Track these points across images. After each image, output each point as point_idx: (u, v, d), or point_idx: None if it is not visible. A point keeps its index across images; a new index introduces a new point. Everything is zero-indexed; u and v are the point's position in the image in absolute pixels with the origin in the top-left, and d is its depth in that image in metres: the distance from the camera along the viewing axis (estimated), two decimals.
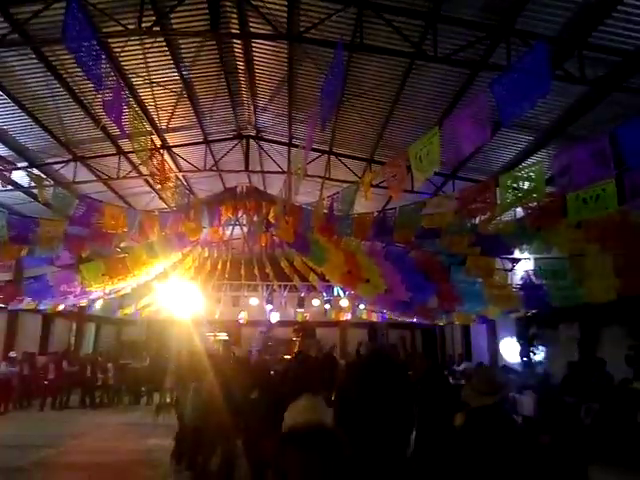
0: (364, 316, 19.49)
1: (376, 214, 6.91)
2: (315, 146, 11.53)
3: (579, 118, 8.36)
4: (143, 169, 11.41)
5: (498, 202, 4.38)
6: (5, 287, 8.74)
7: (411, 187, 10.08)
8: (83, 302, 13.72)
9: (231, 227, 13.26)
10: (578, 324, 11.87)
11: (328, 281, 15.91)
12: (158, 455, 7.53)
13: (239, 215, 8.97)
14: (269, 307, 20.48)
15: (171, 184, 5.92)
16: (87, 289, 10.65)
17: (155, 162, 5.31)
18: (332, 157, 11.70)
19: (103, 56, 7.64)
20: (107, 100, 3.43)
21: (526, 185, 3.94)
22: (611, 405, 8.83)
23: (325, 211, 6.92)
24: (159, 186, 6.30)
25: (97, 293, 13.01)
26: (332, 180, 11.63)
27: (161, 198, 13.29)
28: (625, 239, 5.70)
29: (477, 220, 6.21)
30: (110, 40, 7.75)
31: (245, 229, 13.95)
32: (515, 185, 4.03)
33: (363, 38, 6.85)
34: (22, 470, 7.17)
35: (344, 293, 19.39)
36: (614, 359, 10.32)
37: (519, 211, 6.52)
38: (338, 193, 6.93)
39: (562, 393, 9.77)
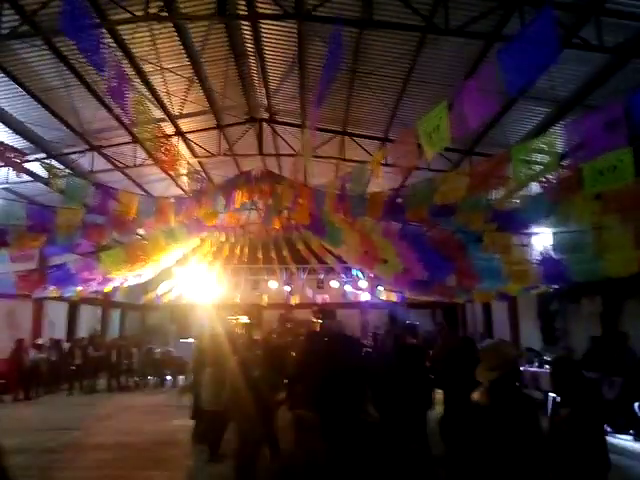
0: (383, 297, 19.48)
1: (388, 192, 6.85)
2: (328, 126, 11.49)
3: (598, 88, 8.11)
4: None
5: (511, 176, 4.30)
6: (29, 276, 8.95)
7: (425, 165, 10.05)
8: (107, 289, 13.97)
9: (247, 211, 13.33)
10: (600, 298, 11.68)
11: (346, 262, 15.91)
12: (181, 435, 7.72)
13: (254, 199, 8.99)
14: (288, 289, 20.62)
15: (184, 170, 5.93)
16: (109, 276, 10.86)
17: (164, 149, 5.33)
18: (346, 137, 11.63)
19: (106, 42, 7.75)
20: (112, 86, 3.44)
21: (539, 157, 3.85)
22: (634, 379, 8.73)
23: (337, 192, 6.89)
24: (173, 173, 6.32)
25: (119, 279, 13.27)
26: (347, 161, 11.57)
27: (177, 185, 13.43)
28: None
29: (492, 196, 6.13)
30: (119, 27, 7.77)
31: (261, 213, 14.04)
32: (528, 158, 3.95)
33: (372, 14, 6.73)
34: (52, 451, 7.45)
35: (363, 274, 19.41)
36: (637, 333, 10.16)
37: (535, 186, 6.40)
38: (350, 173, 6.88)
39: (584, 368, 9.68)
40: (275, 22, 7.98)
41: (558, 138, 4.47)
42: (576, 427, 2.73)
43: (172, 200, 7.78)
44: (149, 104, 9.86)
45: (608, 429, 8.33)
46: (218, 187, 9.19)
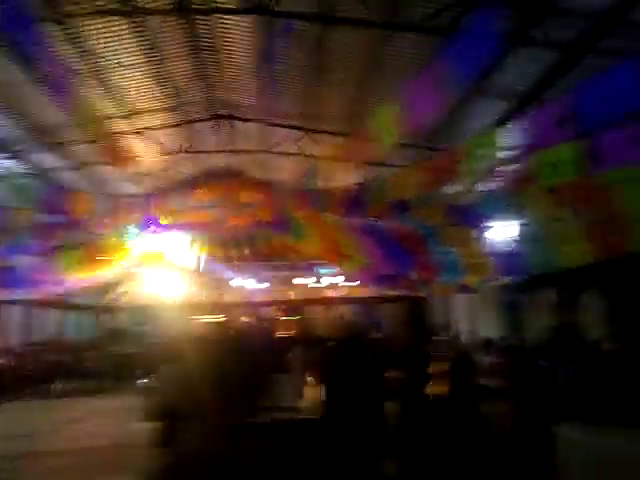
0: (350, 292, 19.64)
1: (348, 188, 6.90)
2: (291, 122, 11.46)
3: (555, 83, 8.36)
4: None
5: (463, 170, 4.40)
6: None
7: (389, 161, 10.16)
8: (64, 290, 13.56)
9: (212, 209, 13.17)
10: (556, 290, 12.09)
11: (313, 259, 15.96)
12: (142, 437, 7.56)
13: (215, 197, 8.89)
14: (255, 287, 20.50)
15: (136, 168, 5.77)
16: (66, 277, 10.54)
17: (114, 147, 5.15)
18: (309, 133, 11.62)
19: (55, 36, 7.51)
20: (53, 82, 3.28)
21: (489, 151, 3.95)
22: (585, 367, 9.07)
23: (296, 187, 6.89)
24: (126, 171, 6.15)
25: (78, 281, 12.90)
26: (309, 157, 11.58)
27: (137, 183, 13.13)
28: (595, 202, 5.78)
29: (447, 190, 6.25)
30: (74, 22, 7.51)
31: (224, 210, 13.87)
32: (479, 152, 4.04)
33: (332, 10, 6.75)
34: (7, 459, 7.17)
35: (330, 270, 19.50)
36: (592, 322, 10.58)
37: (491, 181, 6.56)
38: (308, 169, 6.89)
39: (538, 357, 10.01)
40: (234, 17, 7.89)
41: (510, 132, 4.59)
42: (524, 414, 2.82)
43: (130, 199, 7.58)
44: (105, 100, 9.64)
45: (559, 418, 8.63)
46: (178, 185, 9.03)
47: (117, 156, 5.40)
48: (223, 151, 11.45)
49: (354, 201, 6.72)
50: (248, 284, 20.52)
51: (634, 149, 3.89)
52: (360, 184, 6.99)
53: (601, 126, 3.82)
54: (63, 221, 7.49)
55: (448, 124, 10.38)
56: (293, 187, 7.23)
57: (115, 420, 9.95)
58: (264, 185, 9.00)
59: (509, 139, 3.94)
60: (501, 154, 4.69)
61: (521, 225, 7.93)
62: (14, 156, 10.64)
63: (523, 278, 12.09)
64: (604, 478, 5.68)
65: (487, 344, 13.60)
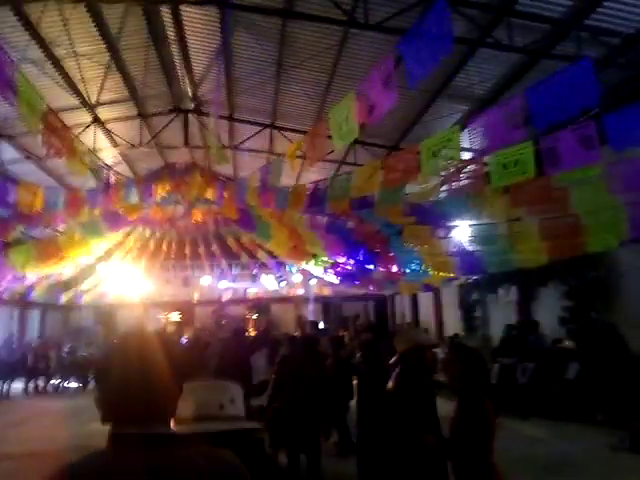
0: (317, 290, 19.62)
1: (310, 185, 6.86)
2: (257, 119, 11.35)
3: (512, 86, 8.52)
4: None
5: (423, 169, 4.41)
6: None
7: (351, 159, 10.14)
8: (20, 288, 13.11)
9: (174, 205, 12.90)
10: (515, 288, 12.37)
11: (277, 257, 15.85)
12: (98, 440, 7.34)
13: (177, 192, 8.70)
14: (220, 285, 20.28)
15: (81, 160, 5.56)
16: (20, 274, 10.17)
17: (58, 139, 4.93)
18: (275, 131, 11.52)
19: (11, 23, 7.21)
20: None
21: (448, 150, 3.97)
22: (544, 364, 9.31)
23: (258, 184, 6.81)
24: (73, 165, 5.91)
25: (34, 278, 12.49)
26: (275, 154, 11.47)
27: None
28: (549, 204, 5.89)
29: (408, 190, 6.28)
30: (27, 8, 7.23)
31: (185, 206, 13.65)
32: (435, 150, 4.06)
33: (294, 5, 6.68)
34: None
35: (295, 268, 19.44)
36: (549, 320, 10.86)
37: (451, 183, 6.62)
38: (269, 165, 6.82)
39: (498, 355, 10.23)
40: (196, 8, 7.74)
41: (465, 133, 4.62)
42: (464, 410, 2.82)
43: (84, 192, 7.32)
44: (62, 90, 9.32)
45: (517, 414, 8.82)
46: (134, 180, 8.80)
47: (69, 149, 5.18)
48: (185, 146, 11.22)
49: (315, 198, 6.68)
50: (216, 282, 20.31)
51: (585, 149, 3.97)
52: (322, 181, 6.97)
53: (553, 126, 3.88)
54: (13, 214, 7.18)
55: (411, 126, 10.48)
56: (255, 184, 7.12)
57: (65, 422, 9.67)
58: (227, 181, 8.86)
59: (468, 140, 3.96)
60: (460, 154, 4.72)
61: (479, 225, 8.06)
62: None
63: (484, 277, 12.34)
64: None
65: (451, 340, 13.82)
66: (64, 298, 17.35)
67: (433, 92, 9.35)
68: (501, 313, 13.08)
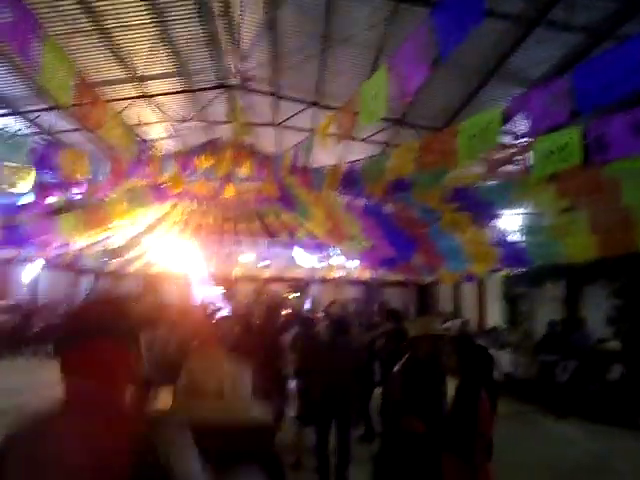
0: (356, 274, 19.49)
1: (346, 166, 6.70)
2: (302, 97, 11.22)
3: (571, 69, 7.98)
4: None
5: (462, 151, 4.17)
6: None
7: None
8: (71, 253, 13.70)
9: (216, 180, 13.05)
10: (564, 283, 11.81)
11: (317, 238, 15.79)
12: None
13: (215, 167, 8.72)
14: (263, 263, 20.51)
15: (115, 129, 5.63)
16: (69, 241, 10.59)
17: (89, 109, 4.99)
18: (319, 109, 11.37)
19: None
20: (5, 24, 3.10)
21: (490, 132, 3.72)
22: (586, 363, 8.87)
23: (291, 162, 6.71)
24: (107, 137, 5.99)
25: (84, 244, 12.99)
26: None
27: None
28: (598, 194, 5.50)
29: (450, 174, 6.01)
30: None
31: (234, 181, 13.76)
32: (472, 133, 3.81)
33: None
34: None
35: (336, 250, 19.34)
36: (595, 319, 10.31)
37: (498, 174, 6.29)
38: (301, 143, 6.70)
39: (540, 351, 9.83)
40: None
41: (515, 117, 4.33)
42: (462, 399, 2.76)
43: (127, 163, 7.47)
44: (111, 63, 9.51)
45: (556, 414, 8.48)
46: (173, 154, 8.90)
47: (103, 122, 5.26)
48: (229, 122, 11.23)
49: (351, 179, 6.52)
50: (256, 259, 20.54)
51: (637, 137, 3.63)
52: (357, 161, 6.79)
53: (602, 110, 3.57)
54: (62, 180, 7.43)
55: (462, 107, 10.08)
56: (288, 162, 7.04)
57: None
58: (266, 159, 8.82)
59: (500, 120, 3.70)
60: (500, 138, 4.43)
61: (526, 215, 7.67)
62: (15, 113, 10.65)
63: (530, 270, 11.83)
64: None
65: (490, 333, 13.44)
66: (112, 265, 18.07)
67: (486, 73, 8.93)
68: (546, 308, 12.54)
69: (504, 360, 10.64)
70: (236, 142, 7.86)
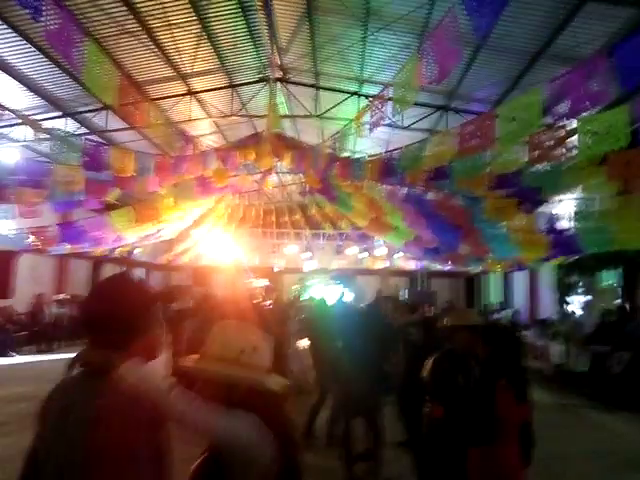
0: (401, 264, 19.30)
1: (386, 155, 6.64)
2: (342, 87, 11.18)
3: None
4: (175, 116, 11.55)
5: (503, 135, 4.06)
6: (40, 232, 9.17)
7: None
8: (125, 247, 14.26)
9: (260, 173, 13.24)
10: (618, 271, 11.27)
11: (360, 229, 15.76)
12: None
13: (257, 160, 8.86)
14: (306, 255, 20.66)
15: (163, 127, 5.81)
16: (121, 235, 11.03)
17: (133, 108, 5.16)
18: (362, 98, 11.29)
19: None
20: (51, 31, 3.28)
21: (523, 116, 3.61)
22: None
23: (329, 151, 6.72)
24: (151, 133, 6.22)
25: (135, 238, 13.49)
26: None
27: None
28: None
29: (491, 159, 5.85)
30: None
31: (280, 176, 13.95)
32: (513, 116, 3.70)
33: None
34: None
35: (380, 241, 19.21)
36: None
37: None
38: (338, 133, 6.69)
39: (593, 342, 9.45)
40: None
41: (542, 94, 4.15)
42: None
43: (172, 158, 7.71)
44: (157, 61, 9.79)
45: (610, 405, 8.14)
46: (216, 148, 9.09)
47: (148, 119, 5.45)
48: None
49: (391, 168, 6.46)
50: (300, 252, 20.74)
51: None
52: (396, 150, 6.71)
53: None
54: (112, 178, 7.76)
55: (510, 90, 9.76)
56: (329, 152, 7.05)
57: None
58: (307, 150, 8.86)
59: (537, 100, 3.57)
60: (541, 120, 4.27)
61: (576, 200, 7.37)
62: (67, 115, 11.17)
63: (584, 258, 11.35)
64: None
65: (541, 323, 13.03)
66: (164, 258, 18.67)
67: (533, 54, 8.61)
68: (601, 297, 12.03)
69: (555, 351, 10.31)
70: (276, 135, 7.93)
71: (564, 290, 13.61)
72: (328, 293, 17.54)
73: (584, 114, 3.63)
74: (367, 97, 11.07)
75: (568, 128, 4.07)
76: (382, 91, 4.70)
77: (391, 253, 18.61)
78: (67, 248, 11.70)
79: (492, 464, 2.70)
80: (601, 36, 7.68)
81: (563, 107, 3.46)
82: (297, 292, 19.40)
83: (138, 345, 1.47)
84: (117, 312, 1.46)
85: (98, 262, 18.93)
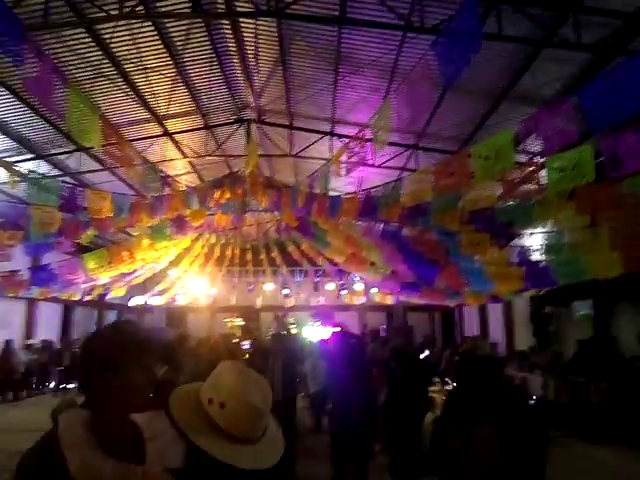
0: (378, 299, 19.31)
1: (362, 193, 6.77)
2: (315, 127, 11.43)
3: (581, 87, 7.99)
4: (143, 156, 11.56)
5: (473, 174, 4.20)
6: (10, 276, 8.92)
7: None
8: (97, 290, 13.94)
9: (235, 212, 13.27)
10: (591, 301, 11.52)
11: (337, 265, 15.81)
12: None
13: (233, 199, 8.93)
14: (284, 292, 20.54)
15: (140, 168, 5.85)
16: (94, 277, 10.81)
17: (114, 150, 5.21)
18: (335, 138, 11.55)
19: (86, 42, 7.75)
20: (32, 78, 3.32)
21: (495, 154, 3.76)
22: (619, 384, 8.57)
23: (307, 190, 6.82)
24: (130, 175, 6.24)
25: (108, 281, 13.23)
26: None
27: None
28: (620, 211, 5.45)
29: (465, 196, 6.04)
30: (98, 27, 7.73)
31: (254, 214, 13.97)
32: (486, 155, 3.85)
33: (346, 12, 6.67)
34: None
35: (357, 276, 19.26)
36: (628, 337, 10.01)
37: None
38: (316, 172, 6.81)
39: (571, 372, 9.56)
40: (254, 20, 7.92)
41: (528, 136, 4.36)
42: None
43: (149, 198, 7.69)
44: (132, 104, 9.88)
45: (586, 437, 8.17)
46: (195, 188, 9.13)
47: (127, 160, 5.48)
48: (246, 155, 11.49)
49: (369, 206, 6.58)
50: (278, 289, 20.62)
51: None
52: (374, 189, 6.86)
53: (613, 126, 3.58)
54: (86, 219, 7.68)
55: (475, 130, 10.13)
56: (307, 191, 7.16)
57: None
58: (284, 189, 8.96)
59: (508, 140, 3.74)
60: (513, 158, 4.45)
61: (547, 233, 7.58)
62: (40, 157, 11.09)
63: (557, 289, 11.58)
64: None
65: (518, 355, 13.12)
66: (137, 301, 18.29)
67: (497, 95, 9.00)
68: (575, 328, 12.23)
69: (534, 383, 10.37)
70: (253, 174, 8.02)
71: (540, 321, 13.81)
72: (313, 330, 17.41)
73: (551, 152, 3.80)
74: (340, 137, 11.34)
75: (536, 165, 4.24)
76: (359, 132, 4.81)
77: (368, 288, 18.66)
78: (37, 292, 11.41)
79: None
80: (559, 78, 8.10)
81: (534, 146, 3.62)
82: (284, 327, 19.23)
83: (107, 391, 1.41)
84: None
85: (69, 306, 18.45)
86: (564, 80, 8.04)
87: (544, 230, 7.30)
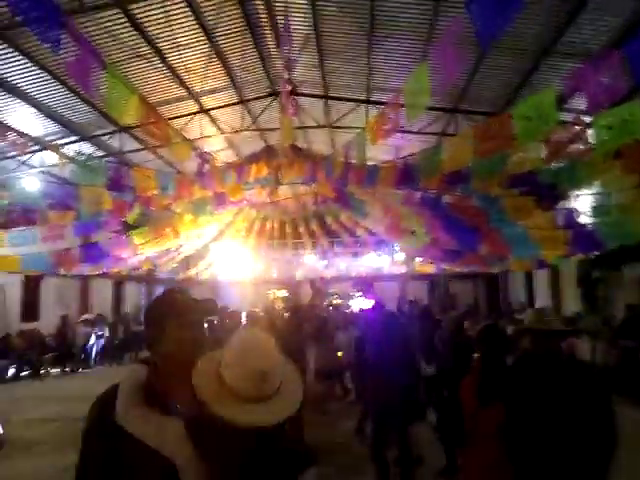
0: (420, 268, 19.20)
1: (400, 161, 6.67)
2: (350, 96, 11.26)
3: (633, 35, 7.50)
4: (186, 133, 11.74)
5: (515, 136, 4.07)
6: (63, 255, 9.37)
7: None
8: (146, 265, 14.47)
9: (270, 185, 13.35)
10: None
11: (377, 235, 15.75)
12: None
13: (274, 173, 8.96)
14: (323, 263, 20.73)
15: (179, 144, 5.95)
16: (141, 253, 11.21)
17: (153, 128, 5.31)
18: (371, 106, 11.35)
19: (120, 23, 7.85)
20: (71, 62, 3.41)
21: (537, 115, 3.62)
22: None
23: (342, 159, 6.77)
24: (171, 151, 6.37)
25: (155, 256, 13.70)
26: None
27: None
28: None
29: (509, 159, 5.85)
30: (132, 8, 7.81)
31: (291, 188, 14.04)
32: (529, 115, 3.71)
33: None
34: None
35: (397, 246, 19.15)
36: None
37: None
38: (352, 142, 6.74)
39: (620, 337, 9.31)
40: None
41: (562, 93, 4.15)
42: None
43: (191, 175, 7.86)
44: (168, 82, 9.99)
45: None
46: (231, 163, 9.22)
47: (166, 138, 5.60)
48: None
49: (407, 174, 6.49)
50: (318, 260, 20.81)
51: None
52: (411, 156, 6.75)
53: None
54: (132, 198, 7.93)
55: (518, 89, 9.72)
56: (340, 161, 7.10)
57: None
58: (320, 160, 8.94)
59: (550, 98, 3.59)
60: (557, 118, 4.28)
61: (594, 195, 7.30)
62: (84, 139, 11.41)
63: (606, 252, 11.18)
64: None
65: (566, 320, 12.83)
66: (184, 274, 18.89)
67: (541, 51, 8.57)
68: (625, 292, 11.81)
69: (582, 348, 10.15)
70: (288, 147, 8.03)
71: (588, 286, 13.40)
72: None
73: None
74: (376, 104, 11.13)
75: (583, 124, 4.07)
76: (393, 98, 4.71)
77: (410, 257, 18.57)
78: (89, 269, 11.96)
79: None
80: (607, 30, 7.62)
81: (580, 104, 3.46)
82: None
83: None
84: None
85: (119, 281, 19.27)
86: (612, 32, 7.56)
87: (591, 192, 7.02)
